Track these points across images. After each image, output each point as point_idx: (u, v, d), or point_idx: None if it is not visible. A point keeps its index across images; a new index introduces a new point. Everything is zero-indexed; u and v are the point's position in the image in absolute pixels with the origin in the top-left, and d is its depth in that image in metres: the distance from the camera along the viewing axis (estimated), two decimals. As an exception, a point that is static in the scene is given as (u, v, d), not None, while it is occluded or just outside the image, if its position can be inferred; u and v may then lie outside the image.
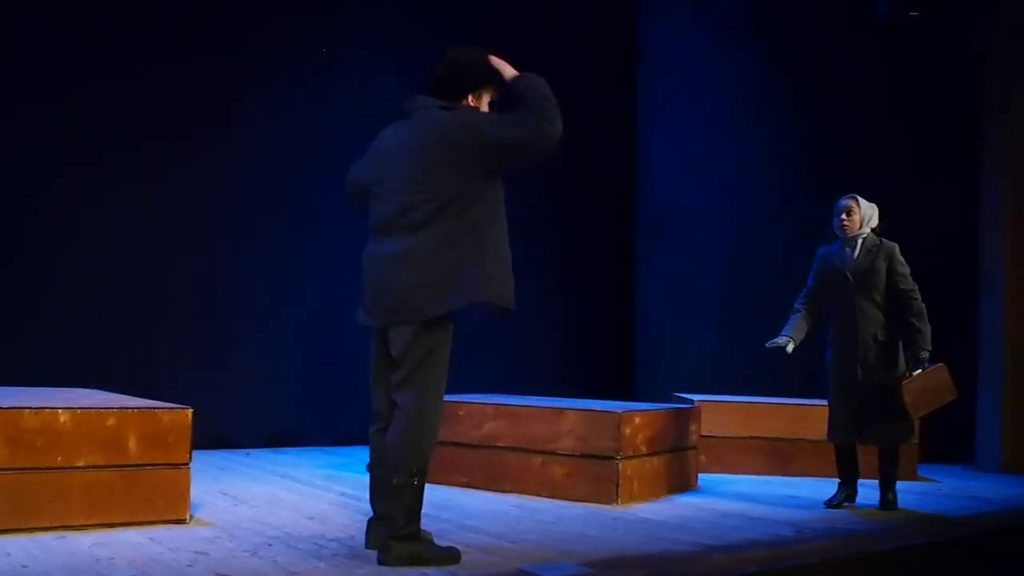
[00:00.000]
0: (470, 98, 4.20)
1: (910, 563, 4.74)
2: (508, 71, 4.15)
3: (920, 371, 5.75)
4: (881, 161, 8.54)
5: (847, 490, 6.06)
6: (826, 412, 6.06)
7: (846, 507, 5.98)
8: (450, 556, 4.03)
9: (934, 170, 8.63)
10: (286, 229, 8.28)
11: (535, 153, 3.99)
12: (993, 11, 8.17)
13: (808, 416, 7.35)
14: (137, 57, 7.60)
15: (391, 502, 3.95)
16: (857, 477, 6.09)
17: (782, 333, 6.09)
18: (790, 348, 6.04)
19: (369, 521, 4.31)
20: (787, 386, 8.22)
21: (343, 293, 8.21)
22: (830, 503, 6.00)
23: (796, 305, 6.22)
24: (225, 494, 5.67)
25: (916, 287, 5.90)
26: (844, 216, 6.01)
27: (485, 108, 4.26)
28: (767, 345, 6.07)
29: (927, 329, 5.80)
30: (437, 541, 4.19)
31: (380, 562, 3.96)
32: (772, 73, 9.05)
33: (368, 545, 4.25)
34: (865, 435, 5.95)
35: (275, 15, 8.22)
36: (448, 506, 5.48)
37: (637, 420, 6.00)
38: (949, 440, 6.22)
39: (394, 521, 3.94)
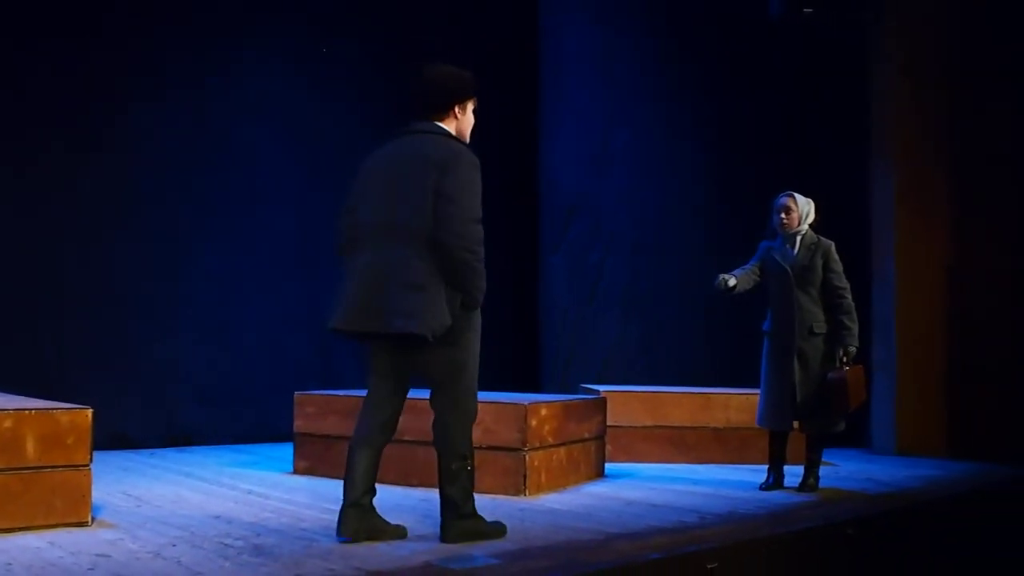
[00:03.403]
0: (456, 110, 4.41)
1: (808, 544, 4.88)
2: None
3: (849, 367, 5.97)
4: (780, 153, 8.72)
5: (777, 473, 6.23)
6: (727, 399, 6.11)
7: (775, 489, 6.15)
8: (499, 530, 4.44)
9: (832, 162, 8.83)
10: (185, 226, 8.15)
11: (446, 235, 4.51)
12: (880, 8, 8.39)
13: (711, 405, 7.50)
14: (36, 55, 7.43)
15: (451, 486, 4.28)
16: (784, 462, 6.25)
17: (731, 273, 6.15)
18: (732, 283, 6.09)
19: (343, 509, 4.31)
20: (690, 375, 8.38)
21: (242, 290, 8.19)
22: (764, 486, 6.17)
23: (748, 264, 6.27)
24: (128, 495, 5.58)
25: (847, 285, 6.09)
26: (783, 215, 6.15)
27: (471, 117, 4.50)
28: (715, 282, 6.10)
29: (855, 326, 6.02)
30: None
31: (442, 540, 4.28)
32: (670, 67, 9.18)
33: (340, 533, 4.27)
34: (797, 422, 6.13)
35: (173, 11, 8.09)
36: (356, 501, 5.45)
37: (543, 411, 6.06)
38: (847, 425, 6.44)
39: (456, 503, 4.27)
